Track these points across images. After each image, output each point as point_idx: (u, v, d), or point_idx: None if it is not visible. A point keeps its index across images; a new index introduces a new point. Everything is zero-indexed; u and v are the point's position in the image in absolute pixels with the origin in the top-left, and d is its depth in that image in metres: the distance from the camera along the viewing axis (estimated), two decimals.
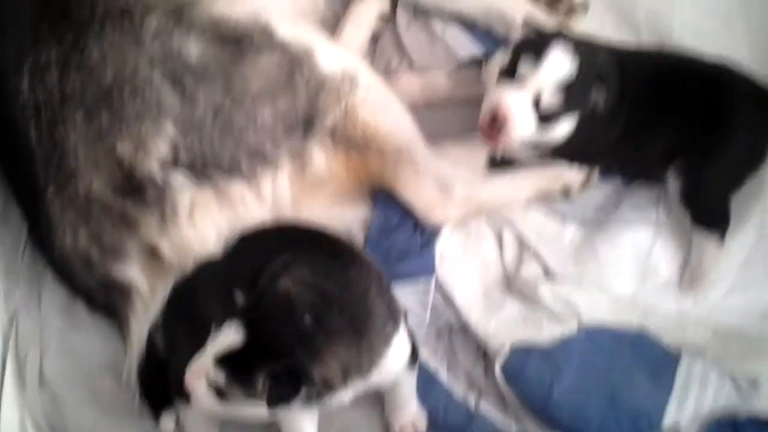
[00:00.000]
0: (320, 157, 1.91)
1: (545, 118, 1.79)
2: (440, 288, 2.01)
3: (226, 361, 1.41)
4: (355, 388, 1.52)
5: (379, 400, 1.84)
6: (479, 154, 2.03)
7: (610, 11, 2.32)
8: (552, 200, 2.09)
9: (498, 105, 1.77)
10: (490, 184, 2.04)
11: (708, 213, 2.00)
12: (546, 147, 1.94)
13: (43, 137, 1.78)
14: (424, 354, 1.90)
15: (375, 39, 2.34)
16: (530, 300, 1.96)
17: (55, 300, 2.05)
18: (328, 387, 1.44)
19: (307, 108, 1.88)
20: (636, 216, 2.07)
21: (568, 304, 1.92)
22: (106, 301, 1.87)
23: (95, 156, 1.76)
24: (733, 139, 1.96)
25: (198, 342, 1.48)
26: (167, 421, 1.81)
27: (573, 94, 1.77)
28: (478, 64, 2.12)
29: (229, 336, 1.41)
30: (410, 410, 1.82)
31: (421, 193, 1.99)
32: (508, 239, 2.07)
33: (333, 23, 2.32)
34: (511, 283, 2.03)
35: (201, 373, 1.43)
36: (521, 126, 1.78)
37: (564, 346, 1.86)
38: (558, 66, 1.76)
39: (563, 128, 1.83)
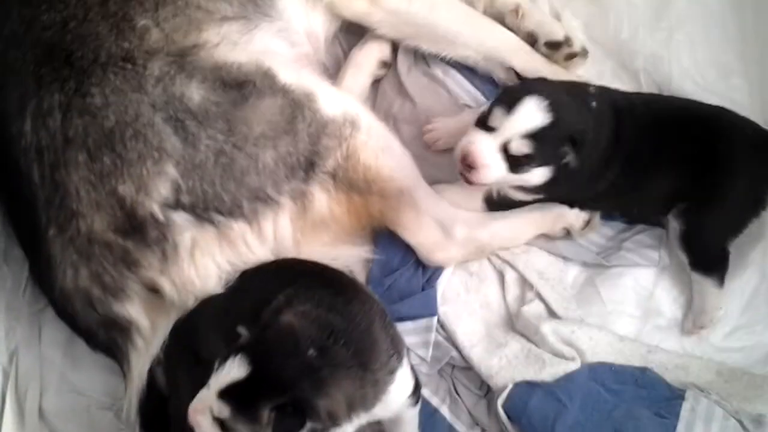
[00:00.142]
0: (322, 198, 1.92)
1: (515, 164, 1.81)
2: (442, 327, 2.01)
3: (230, 394, 1.40)
4: (359, 421, 1.51)
5: None
6: (475, 196, 2.04)
7: (609, 58, 2.36)
8: (553, 241, 2.10)
9: (467, 148, 1.82)
10: (491, 225, 2.05)
11: (706, 259, 2.01)
12: (536, 190, 1.95)
13: (46, 179, 1.79)
14: (427, 392, 1.90)
15: (376, 84, 2.38)
16: (533, 338, 1.95)
17: (55, 337, 2.06)
18: (333, 420, 1.43)
19: (308, 151, 1.89)
20: (638, 258, 2.08)
21: (571, 343, 1.92)
22: (107, 338, 1.86)
23: (97, 197, 1.77)
24: (734, 185, 1.97)
25: (200, 379, 1.47)
26: None
27: (543, 145, 1.79)
28: None
29: (232, 370, 1.40)
30: None
31: (422, 234, 2.01)
32: (510, 279, 2.08)
33: (335, 69, 2.37)
34: (514, 323, 2.03)
35: (205, 407, 1.41)
36: (490, 168, 1.82)
37: (567, 383, 1.86)
38: (528, 118, 1.77)
39: (538, 175, 1.84)
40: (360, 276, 2.01)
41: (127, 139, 1.77)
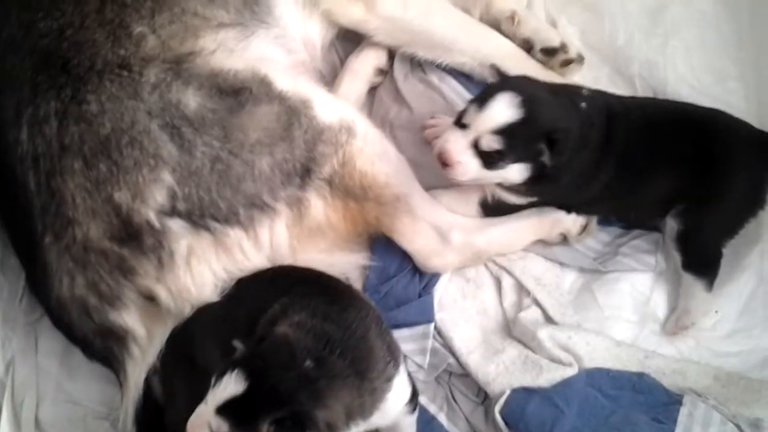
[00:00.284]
0: (318, 205, 1.92)
1: (488, 160, 1.81)
2: (439, 334, 2.01)
3: (228, 410, 1.39)
4: (357, 430, 1.50)
5: None
6: (471, 201, 2.05)
7: (605, 64, 2.37)
8: (550, 247, 2.11)
9: (441, 146, 1.84)
10: (488, 231, 2.05)
11: (700, 259, 2.01)
12: (528, 192, 1.97)
13: (42, 187, 1.79)
14: (424, 400, 1.90)
15: (373, 91, 2.39)
16: (530, 344, 1.95)
17: (51, 347, 2.05)
18: (332, 430, 1.42)
19: (304, 157, 1.89)
20: (635, 263, 2.08)
21: (568, 349, 1.92)
22: (104, 347, 1.85)
23: (93, 204, 1.77)
24: (731, 185, 1.97)
25: (196, 388, 1.47)
26: None
27: (514, 141, 1.79)
28: None
29: (229, 385, 1.39)
30: None
31: (419, 240, 2.01)
32: (507, 285, 2.08)
33: (331, 76, 2.38)
34: (511, 329, 2.03)
35: (203, 423, 1.40)
36: (463, 165, 1.83)
37: (565, 388, 1.86)
38: (497, 114, 1.78)
39: (515, 171, 1.84)
40: (357, 283, 2.01)
41: (123, 146, 1.77)
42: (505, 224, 2.06)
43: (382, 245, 2.04)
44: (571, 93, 1.92)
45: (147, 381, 1.83)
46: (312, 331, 1.48)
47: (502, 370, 1.90)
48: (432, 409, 1.92)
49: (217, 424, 1.39)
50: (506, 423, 1.83)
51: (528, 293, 2.04)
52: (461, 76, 2.29)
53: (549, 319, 2.01)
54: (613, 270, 2.07)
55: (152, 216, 1.77)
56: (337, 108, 1.98)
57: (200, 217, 1.80)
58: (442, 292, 2.05)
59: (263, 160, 1.84)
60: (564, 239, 2.10)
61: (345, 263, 1.99)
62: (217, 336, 1.64)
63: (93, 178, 1.77)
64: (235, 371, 1.39)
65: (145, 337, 1.84)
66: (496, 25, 2.33)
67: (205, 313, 1.78)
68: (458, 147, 1.82)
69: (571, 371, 1.88)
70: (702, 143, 1.97)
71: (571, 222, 2.06)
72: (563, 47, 2.28)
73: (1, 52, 1.88)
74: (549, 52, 2.28)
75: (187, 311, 1.81)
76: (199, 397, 1.44)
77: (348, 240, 2.00)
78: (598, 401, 1.84)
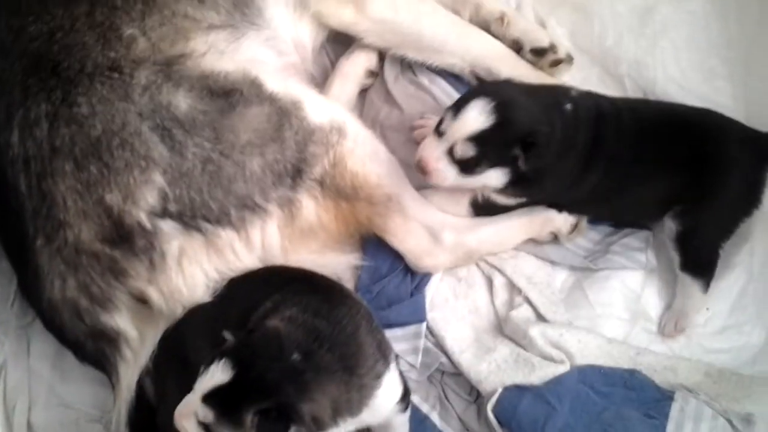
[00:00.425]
0: (309, 206, 1.92)
1: (465, 166, 1.83)
2: (431, 333, 2.02)
3: (214, 399, 1.40)
4: (346, 427, 1.51)
5: None
6: (462, 201, 2.05)
7: (595, 64, 2.37)
8: (541, 246, 2.12)
9: (419, 153, 1.87)
10: (479, 231, 2.06)
11: (698, 261, 2.01)
12: (515, 193, 1.98)
13: (33, 189, 1.80)
14: (416, 399, 1.90)
15: (363, 92, 2.39)
16: (521, 342, 1.96)
17: (44, 350, 2.06)
18: (318, 425, 1.43)
19: (295, 158, 1.90)
20: (625, 261, 2.08)
21: (559, 346, 1.93)
22: (95, 350, 1.86)
23: (84, 206, 1.78)
24: (726, 185, 1.98)
25: (188, 389, 1.47)
26: None
27: (487, 147, 1.81)
28: None
29: (216, 374, 1.41)
30: None
31: (411, 240, 2.01)
32: (499, 284, 2.08)
33: (322, 78, 2.39)
34: (503, 327, 2.03)
35: (190, 412, 1.41)
36: (439, 172, 1.85)
37: (556, 385, 1.86)
38: (470, 121, 1.79)
39: (493, 176, 1.86)
40: (349, 283, 2.02)
41: (114, 147, 1.78)
42: (496, 223, 2.06)
43: (374, 245, 2.04)
44: (556, 95, 1.93)
45: (139, 383, 1.83)
46: (302, 326, 1.49)
47: (494, 369, 1.91)
48: (424, 408, 1.93)
49: (203, 413, 1.40)
50: (499, 421, 1.84)
51: (519, 292, 2.05)
52: (451, 77, 2.30)
53: (540, 318, 2.01)
54: (604, 268, 2.08)
55: (143, 217, 1.78)
56: (328, 109, 1.99)
57: (191, 218, 1.80)
58: (433, 291, 2.06)
59: (254, 161, 1.85)
60: (555, 238, 2.11)
61: (337, 263, 1.99)
62: (209, 336, 1.63)
63: (84, 180, 1.78)
64: (223, 360, 1.40)
65: (137, 339, 1.84)
66: (485, 27, 2.34)
67: (196, 313, 1.79)
68: (435, 154, 1.84)
69: (562, 368, 1.89)
70: (695, 144, 1.98)
71: (561, 221, 2.07)
72: (552, 48, 2.29)
73: None
74: (538, 53, 2.29)
75: (179, 312, 1.81)
76: None
77: (339, 240, 2.00)
78: (590, 398, 1.85)
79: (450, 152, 1.83)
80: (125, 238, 1.78)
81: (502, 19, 2.33)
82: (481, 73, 2.27)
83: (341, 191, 1.95)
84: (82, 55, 1.84)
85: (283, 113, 1.90)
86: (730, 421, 1.82)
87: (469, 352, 1.95)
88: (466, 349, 1.96)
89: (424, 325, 1.99)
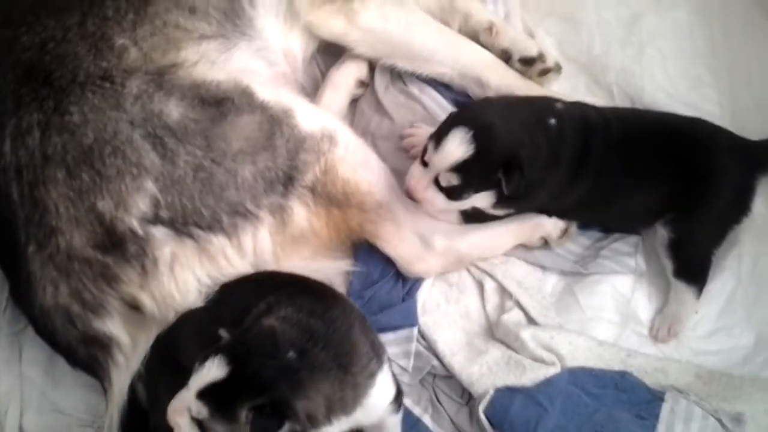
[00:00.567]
0: (301, 212, 1.94)
1: (452, 193, 1.87)
2: (423, 337, 2.02)
3: (208, 395, 1.41)
4: (340, 426, 1.51)
5: None
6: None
7: (583, 73, 2.40)
8: (531, 251, 2.13)
9: (407, 183, 1.92)
10: (470, 236, 2.07)
11: (691, 268, 2.03)
12: (503, 206, 1.99)
13: (25, 197, 1.81)
14: (409, 402, 1.91)
15: (354, 103, 2.41)
16: (513, 345, 1.97)
17: (36, 357, 2.06)
18: (312, 422, 1.44)
19: (287, 165, 1.91)
20: (615, 265, 2.10)
21: (550, 348, 1.94)
22: (88, 355, 1.86)
23: (76, 213, 1.79)
24: (716, 194, 2.00)
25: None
26: None
27: (470, 175, 1.84)
28: None
29: (211, 370, 1.41)
30: None
31: (402, 246, 2.02)
32: (490, 289, 2.09)
33: (312, 89, 2.40)
34: (494, 331, 2.04)
35: (183, 407, 1.42)
36: (429, 201, 1.90)
37: (548, 387, 1.87)
38: (450, 152, 1.81)
39: (480, 199, 1.90)
40: (340, 289, 2.01)
41: (106, 155, 1.79)
42: (486, 229, 2.08)
43: (365, 251, 2.06)
44: (541, 109, 1.94)
45: (131, 387, 1.84)
46: (297, 325, 1.50)
47: (486, 371, 1.92)
48: (417, 411, 1.93)
49: (198, 409, 1.40)
50: (491, 423, 1.84)
51: (510, 296, 2.06)
52: (441, 86, 2.32)
53: (531, 321, 2.02)
54: (594, 272, 2.09)
55: (135, 224, 1.79)
56: (319, 117, 2.01)
57: (183, 224, 1.82)
58: (425, 296, 2.07)
59: (246, 169, 1.86)
60: (545, 243, 2.12)
61: (328, 269, 2.00)
62: (202, 340, 1.63)
63: (76, 188, 1.79)
64: (218, 356, 1.41)
65: (130, 344, 1.85)
66: (474, 37, 2.36)
67: (189, 318, 1.80)
68: (421, 184, 1.89)
69: (553, 370, 1.90)
70: (685, 153, 1.99)
71: (551, 226, 2.08)
72: (541, 57, 2.31)
73: None
74: (527, 62, 2.31)
75: (171, 318, 1.82)
76: None
77: (331, 247, 2.01)
78: (582, 399, 1.86)
79: (436, 181, 1.87)
80: (117, 245, 1.79)
81: (490, 29, 2.35)
82: (471, 82, 2.29)
83: (332, 198, 1.96)
84: (74, 65, 1.86)
85: (275, 121, 1.92)
86: (720, 421, 1.83)
87: (460, 355, 1.96)
88: (458, 352, 1.97)
89: (415, 329, 2.00)
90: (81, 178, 1.79)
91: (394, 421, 1.71)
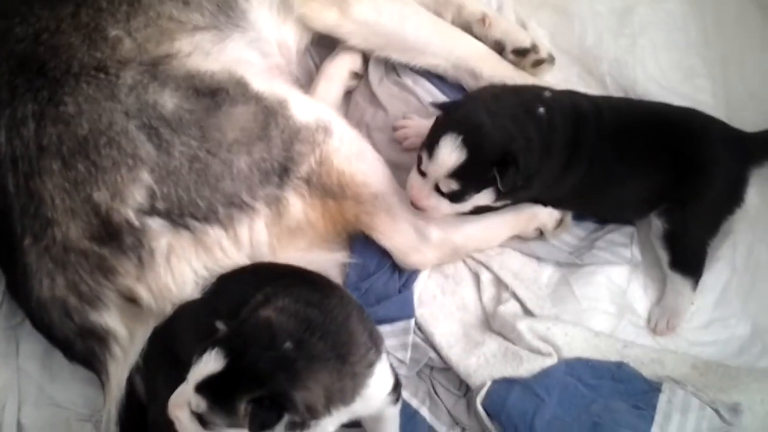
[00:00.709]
0: (297, 204, 1.93)
1: (454, 196, 1.88)
2: (420, 329, 2.02)
3: (206, 388, 1.40)
4: (339, 417, 1.51)
5: None
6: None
7: (576, 64, 2.41)
8: (527, 242, 2.13)
9: (410, 194, 1.93)
10: (465, 228, 2.07)
11: (686, 259, 2.04)
12: (509, 199, 2.00)
13: (20, 188, 1.80)
14: (406, 394, 1.90)
15: (348, 95, 2.41)
16: (509, 336, 1.97)
17: (33, 351, 2.05)
18: (311, 413, 1.43)
19: (282, 156, 1.91)
20: (610, 256, 2.10)
21: (547, 339, 1.94)
22: (85, 348, 1.85)
23: (72, 204, 1.78)
24: (710, 184, 2.01)
25: (178, 385, 1.47)
26: None
27: (468, 177, 1.85)
28: None
29: (209, 363, 1.41)
30: None
31: (398, 237, 2.02)
32: (486, 280, 2.09)
33: (306, 82, 2.39)
34: (490, 323, 2.04)
35: (183, 402, 1.42)
36: (433, 208, 1.92)
37: (545, 378, 1.87)
38: (444, 160, 1.82)
39: (482, 198, 1.90)
40: (337, 281, 2.00)
41: (101, 146, 1.78)
42: (482, 220, 2.07)
43: (361, 243, 2.05)
44: (529, 99, 1.94)
45: (129, 380, 1.83)
46: (294, 315, 1.49)
47: (483, 362, 1.92)
48: (414, 403, 1.93)
49: (196, 402, 1.40)
50: (488, 414, 1.84)
51: (506, 288, 2.06)
52: (435, 78, 2.32)
53: (528, 313, 2.02)
54: (590, 263, 2.10)
55: (131, 215, 1.78)
56: (314, 108, 2.01)
57: (180, 215, 1.81)
58: (421, 288, 2.07)
59: (241, 160, 1.86)
60: (540, 234, 2.13)
61: (325, 261, 1.99)
62: (200, 332, 1.62)
63: (72, 179, 1.78)
64: (215, 349, 1.40)
65: (127, 337, 1.84)
66: (467, 28, 2.37)
67: (186, 310, 1.79)
68: (423, 193, 1.90)
69: (550, 361, 1.90)
70: (679, 144, 2.00)
71: (546, 216, 2.09)
72: (534, 48, 2.32)
73: None
74: (520, 53, 2.32)
75: (168, 310, 1.81)
76: None
77: (327, 238, 2.01)
78: (579, 390, 1.86)
79: (437, 187, 1.88)
80: (113, 236, 1.78)
81: (483, 20, 2.36)
82: (464, 73, 2.29)
83: (328, 190, 1.96)
84: (68, 56, 1.84)
85: (269, 112, 1.91)
86: (717, 411, 1.83)
87: (457, 347, 1.96)
88: (455, 344, 1.97)
89: (412, 321, 2.00)
90: (76, 169, 1.78)
91: (393, 412, 1.71)
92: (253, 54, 2.11)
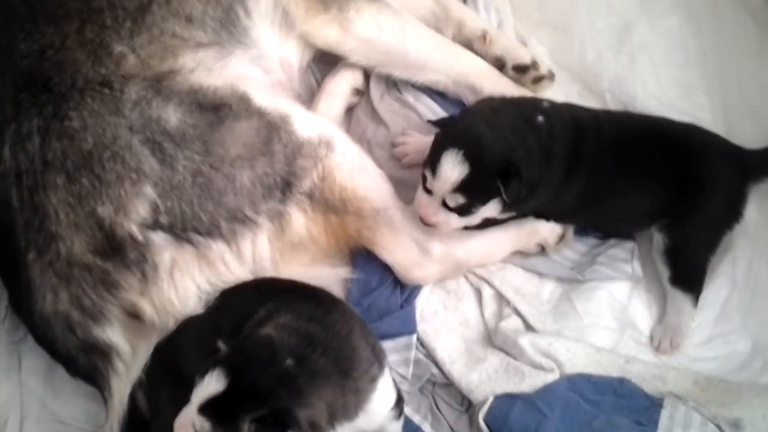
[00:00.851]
0: (299, 219, 1.94)
1: (461, 210, 1.89)
2: (422, 345, 2.02)
3: (210, 409, 1.40)
4: None
5: None
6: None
7: (576, 81, 2.42)
8: (528, 258, 2.14)
9: (418, 212, 1.95)
10: (467, 243, 2.07)
11: (687, 275, 2.04)
12: (515, 209, 2.00)
13: (25, 202, 1.80)
14: (408, 410, 1.90)
15: (350, 111, 2.42)
16: (511, 352, 1.97)
17: (35, 366, 2.05)
18: (314, 429, 1.43)
19: (284, 171, 1.92)
20: (611, 271, 2.11)
21: (549, 355, 1.94)
22: (87, 363, 1.85)
23: (76, 219, 1.78)
24: (710, 200, 2.01)
25: (182, 400, 1.47)
26: None
27: (472, 191, 1.86)
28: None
29: (211, 384, 1.40)
30: None
31: (400, 252, 2.02)
32: (488, 296, 2.10)
33: (308, 98, 2.40)
34: (492, 338, 2.04)
35: (188, 423, 1.41)
36: (442, 223, 1.93)
37: (547, 393, 1.87)
38: (447, 176, 1.83)
39: (489, 210, 1.91)
40: (339, 296, 2.00)
41: (105, 160, 1.79)
42: (484, 236, 2.08)
43: (363, 258, 2.05)
44: (527, 110, 1.96)
45: (132, 396, 1.83)
46: (295, 332, 1.49)
47: (485, 378, 1.92)
48: (416, 419, 1.93)
49: (200, 423, 1.40)
50: (490, 429, 1.84)
51: (508, 303, 2.07)
52: (436, 94, 2.33)
53: (529, 328, 2.03)
54: (591, 279, 2.10)
55: (135, 229, 1.79)
56: (316, 123, 2.02)
57: (183, 230, 1.81)
58: (423, 303, 2.07)
59: (244, 174, 1.87)
60: (542, 250, 2.13)
61: (327, 277, 1.99)
62: (203, 347, 1.63)
63: (76, 193, 1.78)
64: (217, 369, 1.40)
65: (130, 352, 1.84)
66: (468, 45, 2.38)
67: (189, 325, 1.79)
68: (431, 210, 1.91)
69: (552, 377, 1.90)
70: (679, 159, 2.01)
71: (548, 231, 2.09)
72: (534, 64, 2.33)
73: None
74: (521, 70, 2.33)
75: (171, 325, 1.81)
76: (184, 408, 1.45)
77: (329, 253, 2.01)
78: (581, 406, 1.86)
79: (444, 203, 1.89)
80: (117, 250, 1.79)
81: (484, 37, 2.37)
82: (465, 90, 2.30)
83: (330, 204, 1.96)
84: (73, 71, 1.85)
85: (272, 127, 1.92)
86: (719, 427, 1.83)
87: (459, 363, 1.96)
88: (457, 359, 1.97)
89: (414, 336, 2.00)
90: (81, 183, 1.79)
91: (396, 428, 1.70)
92: (255, 70, 2.12)
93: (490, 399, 1.87)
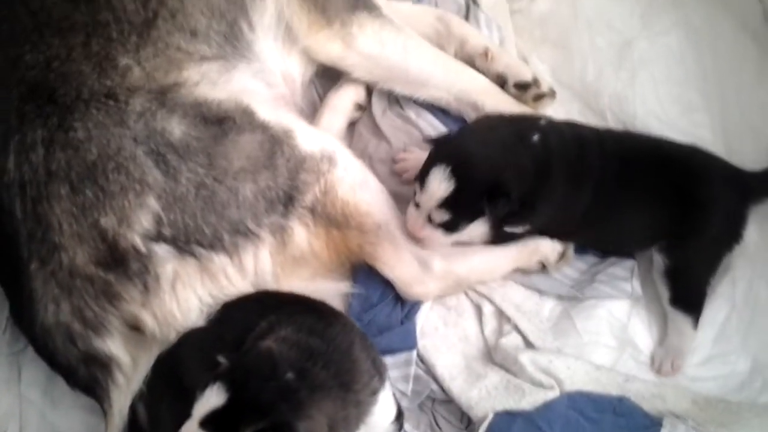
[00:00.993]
0: (301, 233, 1.94)
1: (447, 226, 1.92)
2: (422, 361, 2.02)
3: (210, 423, 1.39)
4: None
5: None
6: None
7: (576, 99, 2.44)
8: (529, 275, 2.14)
9: (407, 224, 1.98)
10: (468, 260, 2.08)
11: (687, 296, 2.05)
12: (514, 225, 2.01)
13: (28, 213, 1.80)
14: (408, 427, 1.90)
15: (352, 126, 2.43)
16: (511, 369, 1.97)
17: (35, 377, 2.05)
18: None
19: (287, 185, 1.92)
20: (611, 290, 2.11)
21: (549, 372, 1.94)
22: (88, 375, 1.84)
23: (79, 229, 1.78)
24: (710, 222, 2.02)
25: (182, 413, 1.46)
26: None
27: (457, 208, 1.88)
28: None
29: (211, 398, 1.40)
30: None
31: (401, 268, 2.03)
32: (488, 313, 2.10)
33: (311, 113, 2.41)
34: (492, 355, 2.04)
35: None
36: (428, 239, 1.95)
37: (547, 411, 1.87)
38: (434, 191, 1.86)
39: (475, 229, 1.93)
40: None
41: (109, 171, 1.79)
42: (485, 253, 2.09)
43: (365, 273, 2.05)
44: (523, 128, 1.97)
45: (131, 408, 1.82)
46: (296, 345, 1.49)
47: (485, 395, 1.91)
48: None
49: None
50: None
51: (508, 320, 2.07)
52: (438, 110, 2.34)
53: (529, 345, 2.03)
54: (591, 297, 2.11)
55: (138, 241, 1.78)
56: (319, 138, 2.02)
57: (185, 242, 1.81)
58: (423, 320, 2.07)
59: (247, 187, 1.87)
60: (542, 267, 2.14)
61: (328, 291, 1.99)
62: (204, 360, 1.63)
63: (79, 204, 1.78)
64: (217, 384, 1.40)
65: (130, 365, 1.83)
66: (470, 62, 2.39)
67: (191, 337, 1.79)
68: (418, 224, 1.94)
69: (552, 394, 1.90)
70: (679, 180, 2.02)
71: (549, 249, 2.10)
72: (536, 82, 2.35)
73: None
74: (522, 87, 2.34)
75: (173, 337, 1.81)
76: (184, 422, 1.44)
77: (331, 268, 2.01)
78: (580, 424, 1.86)
79: (429, 219, 1.90)
80: (120, 262, 1.78)
81: (486, 54, 2.38)
82: (467, 106, 2.32)
83: (332, 219, 1.97)
84: (78, 83, 1.86)
85: (275, 141, 1.93)
86: None
87: (459, 379, 1.96)
88: (457, 376, 1.97)
89: (414, 352, 2.00)
90: (84, 194, 1.79)
91: None
92: (258, 84, 2.12)
93: (490, 416, 1.87)
